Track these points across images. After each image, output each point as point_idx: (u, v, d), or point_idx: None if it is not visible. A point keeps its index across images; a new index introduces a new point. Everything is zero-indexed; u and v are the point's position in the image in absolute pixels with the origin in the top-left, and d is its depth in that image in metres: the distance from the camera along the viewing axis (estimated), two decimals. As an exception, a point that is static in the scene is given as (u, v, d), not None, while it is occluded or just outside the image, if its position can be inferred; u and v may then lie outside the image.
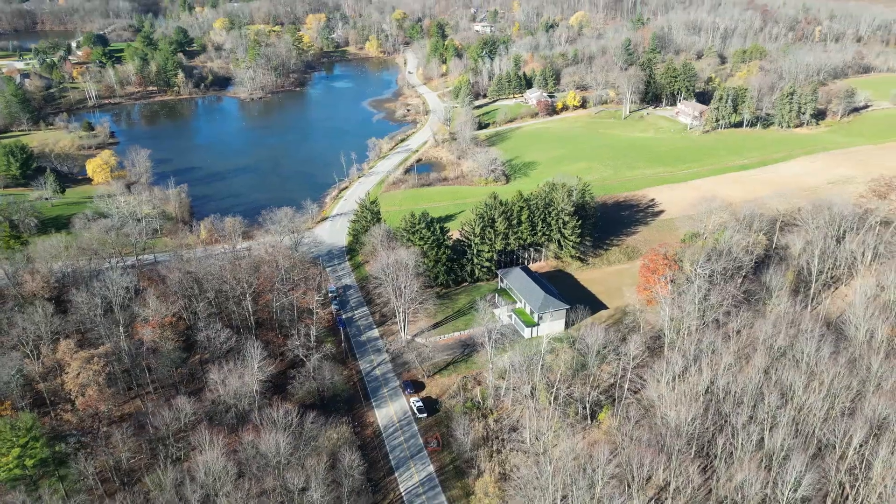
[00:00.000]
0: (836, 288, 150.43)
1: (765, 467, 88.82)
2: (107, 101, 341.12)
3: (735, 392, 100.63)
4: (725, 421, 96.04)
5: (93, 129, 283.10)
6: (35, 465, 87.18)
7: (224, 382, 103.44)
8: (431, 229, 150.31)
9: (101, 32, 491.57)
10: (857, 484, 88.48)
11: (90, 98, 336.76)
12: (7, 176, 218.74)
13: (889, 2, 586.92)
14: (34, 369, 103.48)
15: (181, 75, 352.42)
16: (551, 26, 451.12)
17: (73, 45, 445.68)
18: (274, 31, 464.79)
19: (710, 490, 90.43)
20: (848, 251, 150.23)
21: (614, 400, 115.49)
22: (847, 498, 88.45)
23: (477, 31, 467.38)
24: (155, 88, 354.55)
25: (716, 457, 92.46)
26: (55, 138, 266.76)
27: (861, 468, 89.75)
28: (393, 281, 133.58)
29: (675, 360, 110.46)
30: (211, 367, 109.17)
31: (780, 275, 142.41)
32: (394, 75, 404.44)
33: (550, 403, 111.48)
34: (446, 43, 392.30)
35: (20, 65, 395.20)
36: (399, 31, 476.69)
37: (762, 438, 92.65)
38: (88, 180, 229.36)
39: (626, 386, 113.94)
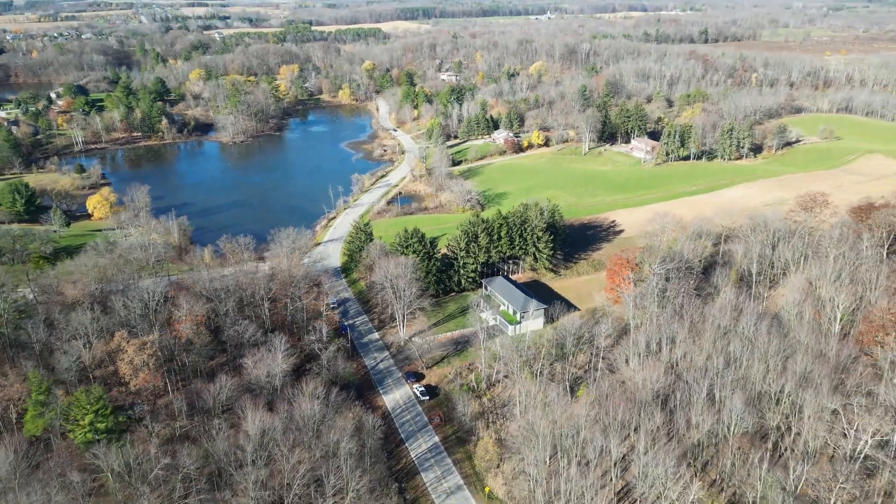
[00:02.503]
0: (774, 289, 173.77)
1: (716, 412, 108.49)
2: (93, 147, 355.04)
3: (689, 358, 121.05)
4: (681, 379, 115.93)
5: (84, 171, 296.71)
6: (103, 431, 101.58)
7: (256, 366, 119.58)
8: (422, 243, 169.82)
9: (79, 83, 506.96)
10: (791, 423, 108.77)
11: (76, 143, 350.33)
12: (11, 212, 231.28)
13: (817, 52, 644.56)
14: (87, 359, 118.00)
15: (165, 121, 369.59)
16: (512, 75, 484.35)
17: (53, 95, 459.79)
18: (250, 81, 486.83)
19: (671, 430, 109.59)
20: (781, 256, 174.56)
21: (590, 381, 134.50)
22: (783, 436, 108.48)
23: (443, 79, 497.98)
24: (139, 134, 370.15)
25: (675, 405, 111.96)
26: (50, 180, 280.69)
27: (794, 412, 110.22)
28: (393, 285, 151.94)
29: (640, 340, 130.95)
30: (244, 355, 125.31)
31: (725, 275, 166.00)
32: (367, 120, 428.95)
33: (536, 380, 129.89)
34: (417, 90, 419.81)
35: (2, 114, 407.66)
36: (370, 81, 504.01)
37: (712, 390, 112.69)
38: (87, 216, 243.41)
39: (600, 364, 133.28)
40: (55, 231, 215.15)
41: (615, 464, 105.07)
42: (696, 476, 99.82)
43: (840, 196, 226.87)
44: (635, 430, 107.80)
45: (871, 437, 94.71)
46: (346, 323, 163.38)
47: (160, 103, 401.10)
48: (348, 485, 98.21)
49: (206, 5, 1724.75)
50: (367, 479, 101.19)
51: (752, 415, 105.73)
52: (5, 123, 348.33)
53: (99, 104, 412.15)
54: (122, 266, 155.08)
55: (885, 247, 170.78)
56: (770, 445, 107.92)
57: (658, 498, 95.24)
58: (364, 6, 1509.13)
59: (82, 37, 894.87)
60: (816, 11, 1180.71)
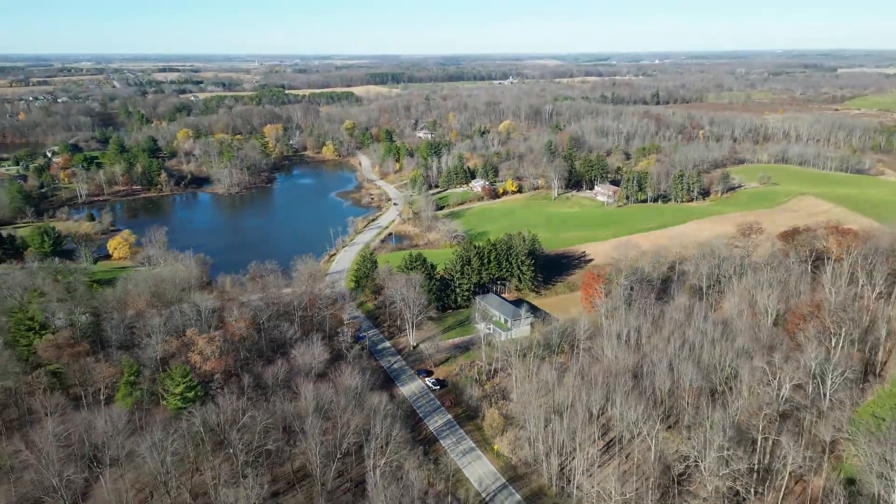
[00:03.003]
0: (721, 302, 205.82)
1: (674, 377, 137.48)
2: (95, 199, 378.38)
3: (653, 342, 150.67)
4: (647, 357, 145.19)
5: (94, 219, 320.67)
6: (190, 399, 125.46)
7: (301, 356, 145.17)
8: (424, 265, 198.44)
9: (71, 142, 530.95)
10: (731, 384, 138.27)
11: (80, 196, 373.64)
12: (40, 252, 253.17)
13: (757, 112, 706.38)
14: (158, 351, 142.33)
15: (164, 175, 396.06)
16: (484, 132, 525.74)
17: (49, 153, 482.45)
18: (237, 139, 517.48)
19: (640, 392, 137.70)
20: (726, 272, 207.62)
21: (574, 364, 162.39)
22: (725, 392, 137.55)
23: (419, 137, 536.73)
24: (139, 187, 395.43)
25: (643, 375, 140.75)
26: (64, 227, 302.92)
27: (733, 375, 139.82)
28: (403, 297, 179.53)
29: (612, 332, 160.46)
30: (288, 351, 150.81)
31: (679, 289, 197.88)
32: (351, 174, 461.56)
33: (529, 370, 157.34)
34: (398, 145, 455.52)
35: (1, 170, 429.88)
36: (350, 138, 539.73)
37: (671, 363, 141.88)
38: (107, 257, 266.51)
39: (581, 353, 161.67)
40: (85, 268, 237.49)
41: (598, 415, 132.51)
42: (660, 420, 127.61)
43: (775, 228, 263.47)
44: (611, 392, 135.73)
45: (790, 383, 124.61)
46: (360, 334, 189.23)
47: (157, 159, 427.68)
48: (389, 437, 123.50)
49: (178, 70, 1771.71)
50: (403, 434, 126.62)
51: (701, 377, 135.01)
52: (15, 177, 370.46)
53: (96, 161, 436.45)
54: (167, 287, 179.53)
55: (809, 262, 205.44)
56: (716, 398, 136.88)
57: (632, 436, 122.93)
58: (334, 72, 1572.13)
59: (58, 100, 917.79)
60: (757, 76, 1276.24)
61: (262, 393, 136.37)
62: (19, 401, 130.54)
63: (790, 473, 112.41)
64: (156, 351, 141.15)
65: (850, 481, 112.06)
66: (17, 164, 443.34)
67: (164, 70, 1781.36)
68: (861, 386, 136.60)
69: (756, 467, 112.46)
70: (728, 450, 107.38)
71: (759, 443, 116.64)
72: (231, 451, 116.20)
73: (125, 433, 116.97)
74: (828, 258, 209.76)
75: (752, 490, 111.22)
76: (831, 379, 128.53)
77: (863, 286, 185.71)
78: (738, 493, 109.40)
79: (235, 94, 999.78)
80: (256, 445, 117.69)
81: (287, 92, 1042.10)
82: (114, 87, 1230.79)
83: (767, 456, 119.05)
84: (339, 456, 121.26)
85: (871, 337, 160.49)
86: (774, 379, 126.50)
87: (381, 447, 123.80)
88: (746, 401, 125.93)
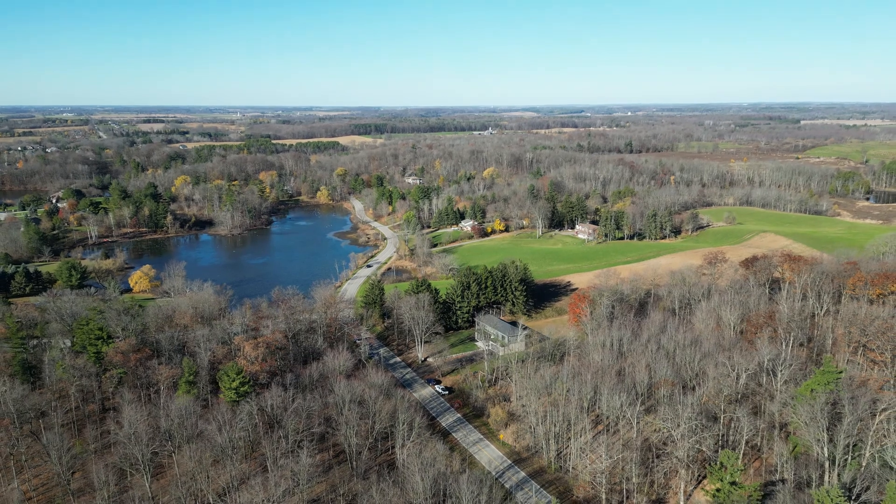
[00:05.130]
0: (691, 322, 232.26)
1: (651, 373, 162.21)
2: (104, 240, 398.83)
3: (633, 348, 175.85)
4: (627, 359, 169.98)
5: (108, 257, 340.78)
6: (243, 393, 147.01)
7: (332, 360, 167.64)
8: (429, 290, 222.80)
9: (73, 188, 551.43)
10: (699, 379, 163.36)
11: (90, 237, 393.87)
12: (67, 285, 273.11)
13: (724, 160, 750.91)
14: (207, 358, 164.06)
15: (170, 217, 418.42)
16: (469, 178, 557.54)
17: (53, 199, 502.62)
18: (234, 185, 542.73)
19: (623, 385, 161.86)
20: (695, 295, 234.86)
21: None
22: (694, 385, 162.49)
23: (409, 182, 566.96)
24: (146, 229, 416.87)
25: (625, 372, 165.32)
26: (86, 264, 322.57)
27: (700, 373, 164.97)
28: (413, 315, 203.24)
29: (598, 341, 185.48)
30: (318, 358, 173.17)
31: (655, 308, 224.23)
32: (345, 216, 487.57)
33: (528, 371, 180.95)
34: (391, 189, 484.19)
35: (3, 216, 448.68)
36: (342, 184, 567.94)
37: (649, 364, 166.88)
38: (128, 290, 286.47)
39: (572, 360, 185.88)
40: (117, 297, 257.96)
41: (588, 409, 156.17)
42: (640, 406, 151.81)
43: (738, 260, 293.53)
44: (599, 387, 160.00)
45: (746, 373, 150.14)
46: (373, 351, 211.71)
47: (161, 203, 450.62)
48: (413, 423, 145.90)
49: (162, 121, 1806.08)
50: (423, 421, 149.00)
51: (674, 374, 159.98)
52: (29, 220, 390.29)
53: (101, 206, 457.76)
54: (204, 309, 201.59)
55: (767, 285, 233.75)
56: (687, 391, 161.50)
57: (618, 419, 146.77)
58: (318, 122, 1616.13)
59: (47, 150, 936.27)
60: (725, 128, 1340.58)
61: (301, 390, 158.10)
62: (95, 397, 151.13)
63: (747, 443, 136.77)
64: (205, 357, 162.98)
65: (797, 457, 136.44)
66: (25, 209, 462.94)
67: (148, 121, 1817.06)
68: (806, 377, 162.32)
69: (719, 437, 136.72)
70: (695, 421, 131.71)
71: (721, 418, 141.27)
72: (282, 432, 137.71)
73: (194, 417, 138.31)
74: (783, 282, 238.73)
75: (718, 454, 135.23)
76: (781, 371, 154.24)
77: (812, 304, 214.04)
78: (703, 453, 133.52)
79: (223, 144, 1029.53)
80: (302, 429, 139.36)
81: (274, 142, 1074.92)
82: (100, 137, 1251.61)
83: (730, 431, 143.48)
84: (371, 440, 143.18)
85: (817, 344, 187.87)
86: (733, 371, 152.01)
87: (407, 432, 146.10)
88: (711, 388, 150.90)
